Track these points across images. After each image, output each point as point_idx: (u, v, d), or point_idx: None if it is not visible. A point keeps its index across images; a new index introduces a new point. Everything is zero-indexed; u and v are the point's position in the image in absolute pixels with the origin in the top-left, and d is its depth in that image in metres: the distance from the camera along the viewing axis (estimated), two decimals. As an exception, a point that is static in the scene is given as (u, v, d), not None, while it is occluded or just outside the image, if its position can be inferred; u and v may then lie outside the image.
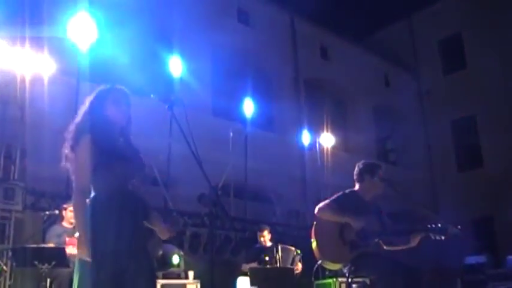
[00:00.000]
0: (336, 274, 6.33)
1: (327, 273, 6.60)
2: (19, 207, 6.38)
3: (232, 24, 12.46)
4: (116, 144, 2.67)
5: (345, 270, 3.84)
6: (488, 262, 9.85)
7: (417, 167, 16.18)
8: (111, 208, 2.51)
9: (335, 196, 3.98)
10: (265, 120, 12.10)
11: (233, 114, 10.68)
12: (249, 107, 10.31)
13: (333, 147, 12.02)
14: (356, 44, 16.05)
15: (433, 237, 3.69)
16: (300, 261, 6.48)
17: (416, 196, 13.98)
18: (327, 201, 3.93)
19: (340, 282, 6.29)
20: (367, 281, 4.06)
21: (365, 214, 3.79)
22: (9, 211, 6.29)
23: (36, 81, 6.83)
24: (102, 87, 2.78)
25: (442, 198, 15.55)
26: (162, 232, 2.75)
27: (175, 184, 8.93)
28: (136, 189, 2.63)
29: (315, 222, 3.92)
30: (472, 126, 16.23)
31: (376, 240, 3.72)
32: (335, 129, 12.65)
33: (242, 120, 10.38)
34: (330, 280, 6.49)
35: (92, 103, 2.72)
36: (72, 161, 2.59)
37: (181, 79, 9.52)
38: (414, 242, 3.77)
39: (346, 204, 3.85)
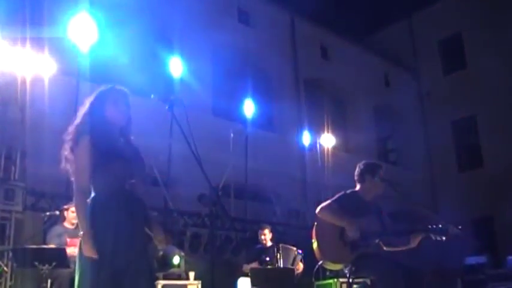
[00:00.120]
0: (336, 274, 6.34)
1: (327, 273, 6.61)
2: (19, 208, 6.38)
3: (232, 24, 12.45)
4: (116, 144, 2.68)
5: (346, 271, 3.85)
6: (488, 262, 9.86)
7: (417, 167, 16.16)
8: (110, 209, 2.52)
9: (336, 196, 3.99)
10: (265, 121, 12.08)
11: (233, 115, 10.68)
12: (249, 107, 10.30)
13: (333, 148, 12.02)
14: (356, 44, 16.03)
15: (433, 238, 3.70)
16: (301, 261, 6.45)
17: (416, 196, 14.00)
18: (328, 201, 3.94)
19: (341, 283, 6.30)
20: (368, 281, 4.06)
21: (366, 214, 3.80)
22: (10, 212, 6.28)
23: (37, 81, 6.82)
24: (102, 88, 2.79)
25: (442, 198, 15.53)
26: (161, 241, 2.76)
27: (175, 184, 8.92)
28: (134, 190, 2.64)
29: (315, 223, 3.93)
30: (472, 126, 16.21)
31: (377, 241, 3.72)
32: (335, 129, 12.65)
33: (242, 120, 10.37)
34: (331, 280, 6.50)
35: (91, 104, 2.73)
36: (72, 162, 2.60)
37: (181, 79, 9.50)
38: (414, 242, 3.77)
39: (347, 204, 3.85)
